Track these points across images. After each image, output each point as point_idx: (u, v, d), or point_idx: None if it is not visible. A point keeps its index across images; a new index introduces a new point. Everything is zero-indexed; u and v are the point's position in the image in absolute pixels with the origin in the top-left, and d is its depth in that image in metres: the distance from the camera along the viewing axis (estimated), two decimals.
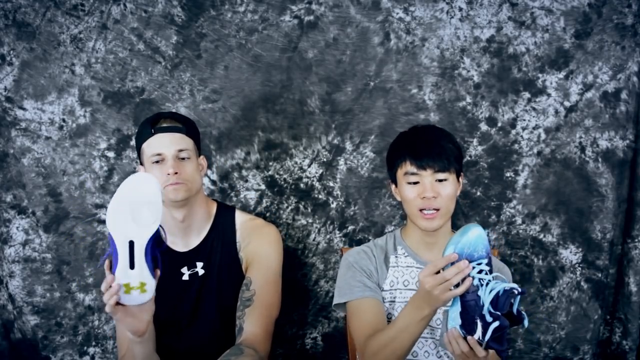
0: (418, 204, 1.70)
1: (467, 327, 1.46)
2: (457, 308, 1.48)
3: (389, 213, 2.25)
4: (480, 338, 1.44)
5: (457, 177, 1.74)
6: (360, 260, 1.81)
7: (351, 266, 1.80)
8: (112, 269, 1.47)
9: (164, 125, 1.78)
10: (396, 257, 1.82)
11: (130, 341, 1.63)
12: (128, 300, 1.49)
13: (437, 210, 1.69)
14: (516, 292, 1.42)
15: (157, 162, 1.76)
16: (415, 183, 1.70)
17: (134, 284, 1.49)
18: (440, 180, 1.69)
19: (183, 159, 1.78)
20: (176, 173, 1.74)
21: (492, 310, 1.42)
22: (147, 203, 1.49)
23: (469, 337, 1.46)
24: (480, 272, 1.46)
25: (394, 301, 1.78)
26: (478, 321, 1.44)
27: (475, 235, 1.48)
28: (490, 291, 1.43)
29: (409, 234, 1.83)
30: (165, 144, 1.76)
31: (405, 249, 1.82)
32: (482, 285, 1.45)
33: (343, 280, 1.80)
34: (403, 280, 1.79)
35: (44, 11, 2.15)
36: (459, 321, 1.48)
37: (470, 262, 1.45)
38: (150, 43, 2.17)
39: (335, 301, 1.80)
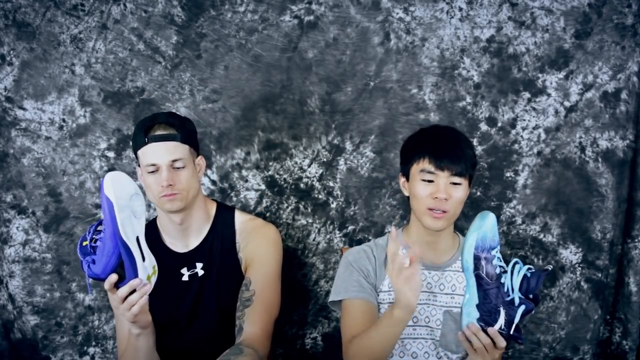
0: (428, 203, 1.69)
1: (487, 318, 1.47)
2: (474, 301, 1.48)
3: (389, 213, 2.25)
4: (503, 327, 1.45)
5: (470, 184, 1.75)
6: (360, 259, 1.81)
7: (349, 265, 1.81)
8: (125, 276, 1.51)
9: (158, 133, 1.74)
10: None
11: (134, 337, 1.65)
12: (149, 289, 1.54)
13: (445, 212, 1.69)
14: (549, 268, 1.45)
15: (152, 171, 1.74)
16: (429, 182, 1.70)
17: (150, 272, 1.54)
18: (455, 184, 1.69)
19: (178, 168, 1.75)
20: (170, 185, 1.73)
21: (521, 296, 1.44)
22: (135, 195, 1.53)
23: (489, 329, 1.46)
24: (498, 259, 1.48)
25: (392, 303, 1.78)
26: (501, 309, 1.45)
27: (493, 221, 1.50)
28: (518, 274, 1.44)
29: (410, 234, 1.83)
30: (159, 154, 1.73)
31: (406, 250, 1.82)
32: (504, 272, 1.46)
33: (340, 278, 1.81)
34: None
35: (44, 11, 2.15)
36: (476, 314, 1.48)
37: (491, 249, 1.47)
38: (150, 43, 2.17)
39: (331, 298, 1.81)
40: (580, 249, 2.26)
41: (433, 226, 1.71)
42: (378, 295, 1.80)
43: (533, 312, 1.52)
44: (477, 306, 1.48)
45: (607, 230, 2.25)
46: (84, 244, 1.54)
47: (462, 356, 1.82)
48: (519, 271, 1.46)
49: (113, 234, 1.48)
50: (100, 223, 1.56)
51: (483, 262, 1.48)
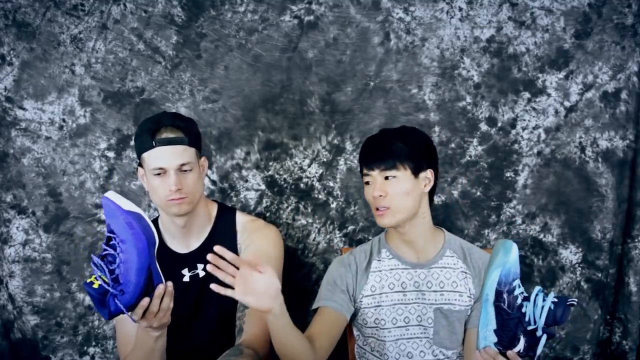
0: (373, 204, 1.76)
1: (505, 343, 1.47)
2: (491, 326, 1.48)
3: None
4: (522, 351, 1.45)
5: (417, 174, 1.74)
6: (339, 268, 1.84)
7: (329, 276, 1.85)
8: (152, 289, 1.49)
9: (165, 136, 1.72)
10: (379, 260, 1.84)
11: (154, 339, 1.61)
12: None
13: (387, 208, 1.72)
14: (574, 303, 1.45)
15: (158, 173, 1.73)
16: (368, 183, 1.76)
17: None
18: (388, 178, 1.72)
19: (185, 170, 1.74)
20: (179, 189, 1.72)
21: (545, 327, 1.44)
22: None
23: (509, 352, 1.47)
24: (518, 287, 1.48)
25: (380, 305, 1.81)
26: (521, 337, 1.45)
27: (516, 254, 1.49)
28: (542, 307, 1.44)
29: (391, 236, 1.86)
30: (167, 157, 1.72)
31: (390, 251, 1.84)
32: (527, 301, 1.46)
33: (321, 288, 1.85)
34: (388, 283, 1.81)
35: (44, 11, 2.15)
36: (493, 339, 1.48)
37: (513, 280, 1.47)
38: (150, 43, 2.17)
39: (313, 306, 1.84)
40: (580, 249, 2.26)
41: (380, 224, 1.76)
42: (361, 300, 1.81)
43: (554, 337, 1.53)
44: (495, 331, 1.48)
45: (607, 230, 2.25)
46: (97, 284, 1.45)
47: (459, 352, 1.82)
48: (542, 300, 1.45)
49: (147, 244, 1.45)
50: (104, 256, 1.48)
51: (505, 295, 1.47)
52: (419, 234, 1.80)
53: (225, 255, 1.45)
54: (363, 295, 1.81)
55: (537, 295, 1.46)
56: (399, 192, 1.72)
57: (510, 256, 1.48)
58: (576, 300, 1.46)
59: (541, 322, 1.44)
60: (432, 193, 1.81)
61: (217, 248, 1.46)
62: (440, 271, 1.81)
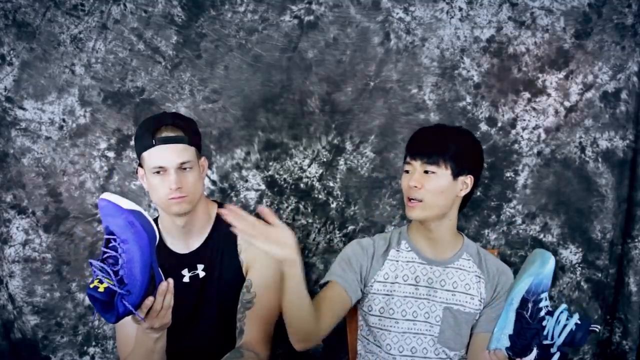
0: (407, 193, 1.76)
1: (517, 350, 1.47)
2: (507, 330, 1.48)
3: (389, 213, 2.25)
4: None
5: (456, 177, 1.74)
6: (356, 248, 1.85)
7: (344, 253, 1.85)
8: (155, 286, 1.49)
9: (165, 135, 1.72)
10: (398, 251, 1.84)
11: (153, 341, 1.61)
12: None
13: (420, 201, 1.72)
14: (597, 330, 1.44)
15: (158, 172, 1.73)
16: (407, 172, 1.76)
17: None
18: (428, 172, 1.72)
19: (185, 169, 1.74)
20: (179, 188, 1.72)
21: (561, 346, 1.44)
22: None
23: None
24: (545, 299, 1.47)
25: (391, 295, 1.80)
26: (534, 349, 1.45)
27: (552, 266, 1.48)
28: (564, 326, 1.44)
29: (413, 230, 1.86)
30: (167, 156, 1.72)
31: (409, 244, 1.85)
32: (549, 316, 1.46)
33: (334, 264, 1.85)
34: (402, 275, 1.81)
35: (44, 11, 2.15)
36: (506, 343, 1.47)
37: (542, 292, 1.46)
38: (150, 43, 2.17)
39: (322, 280, 1.85)
40: (580, 249, 2.26)
41: (409, 215, 1.76)
42: (372, 285, 1.81)
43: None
44: (510, 336, 1.47)
45: (607, 230, 2.25)
46: (102, 288, 1.42)
47: (461, 355, 1.82)
48: (565, 319, 1.45)
49: (148, 241, 1.45)
50: (104, 259, 1.46)
51: (530, 304, 1.47)
52: (442, 233, 1.80)
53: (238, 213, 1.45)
54: (375, 280, 1.82)
55: (561, 312, 1.46)
56: (435, 188, 1.72)
57: (545, 268, 1.47)
58: (599, 327, 1.45)
59: (560, 340, 1.43)
60: (466, 199, 1.81)
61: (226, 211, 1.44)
62: (455, 272, 1.81)
